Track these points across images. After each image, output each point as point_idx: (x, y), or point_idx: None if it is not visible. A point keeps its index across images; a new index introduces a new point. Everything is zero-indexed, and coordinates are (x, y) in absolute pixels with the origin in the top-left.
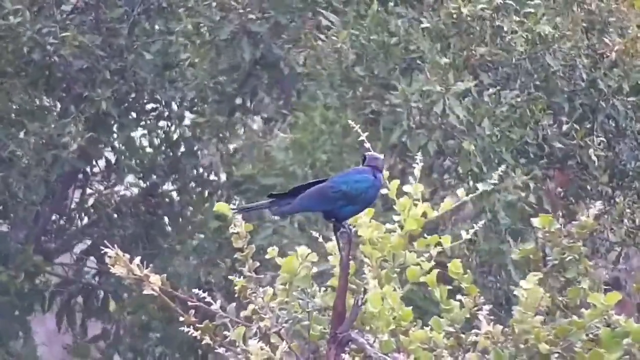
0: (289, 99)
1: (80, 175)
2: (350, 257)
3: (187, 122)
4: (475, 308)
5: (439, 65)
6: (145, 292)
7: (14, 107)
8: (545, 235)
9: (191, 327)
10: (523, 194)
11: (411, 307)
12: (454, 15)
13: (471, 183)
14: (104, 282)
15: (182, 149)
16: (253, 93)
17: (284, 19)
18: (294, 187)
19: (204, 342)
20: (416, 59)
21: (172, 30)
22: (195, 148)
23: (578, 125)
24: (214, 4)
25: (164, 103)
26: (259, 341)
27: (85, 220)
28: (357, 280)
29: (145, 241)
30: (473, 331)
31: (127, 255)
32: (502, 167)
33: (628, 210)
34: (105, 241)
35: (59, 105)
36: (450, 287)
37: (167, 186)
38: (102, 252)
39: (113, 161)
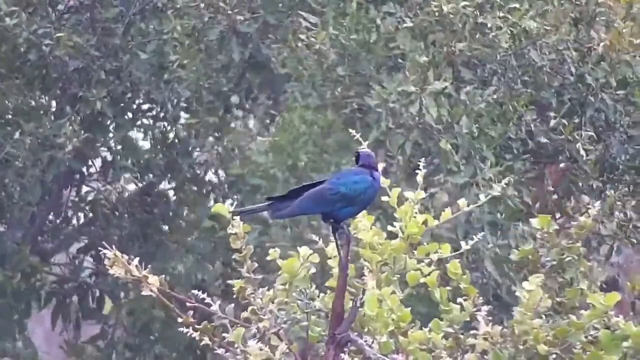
0: (278, 99)
1: (77, 175)
2: (349, 258)
3: (182, 121)
4: (475, 309)
5: (418, 63)
6: (143, 292)
7: (10, 107)
8: (544, 235)
9: (190, 328)
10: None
11: (409, 309)
12: (436, 14)
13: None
14: (100, 282)
15: (178, 148)
16: (247, 93)
17: (272, 19)
18: (292, 189)
19: (202, 343)
20: (398, 57)
21: (163, 31)
22: (190, 148)
23: (567, 120)
24: (202, 5)
25: (159, 103)
26: (257, 342)
27: (82, 219)
28: (355, 283)
29: (141, 240)
30: (472, 332)
31: (126, 256)
32: (483, 164)
33: (619, 203)
34: (103, 241)
35: (54, 106)
36: (449, 288)
37: (164, 185)
38: (99, 251)
39: (109, 160)
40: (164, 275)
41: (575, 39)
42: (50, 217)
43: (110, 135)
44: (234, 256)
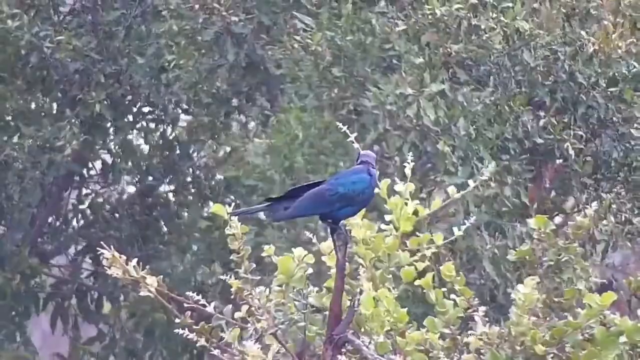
0: (274, 101)
1: (77, 178)
2: (346, 258)
3: (182, 123)
4: (470, 310)
5: (414, 65)
6: (141, 293)
7: (10, 110)
8: (541, 236)
9: (186, 329)
10: (493, 187)
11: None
12: (429, 16)
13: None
14: (99, 284)
15: (178, 150)
16: (248, 94)
17: (267, 19)
18: (290, 189)
19: (198, 345)
20: (394, 58)
21: (160, 31)
22: (191, 150)
23: (558, 118)
24: (197, 6)
25: (160, 106)
26: (255, 342)
27: (82, 221)
28: (351, 281)
29: (141, 242)
30: (469, 332)
31: (124, 257)
32: (481, 165)
33: (614, 207)
34: (102, 242)
35: (54, 109)
36: (444, 290)
37: (163, 187)
38: (98, 253)
39: (109, 163)
40: (162, 276)
41: (567, 35)
42: (50, 219)
43: (110, 137)
44: (231, 257)
